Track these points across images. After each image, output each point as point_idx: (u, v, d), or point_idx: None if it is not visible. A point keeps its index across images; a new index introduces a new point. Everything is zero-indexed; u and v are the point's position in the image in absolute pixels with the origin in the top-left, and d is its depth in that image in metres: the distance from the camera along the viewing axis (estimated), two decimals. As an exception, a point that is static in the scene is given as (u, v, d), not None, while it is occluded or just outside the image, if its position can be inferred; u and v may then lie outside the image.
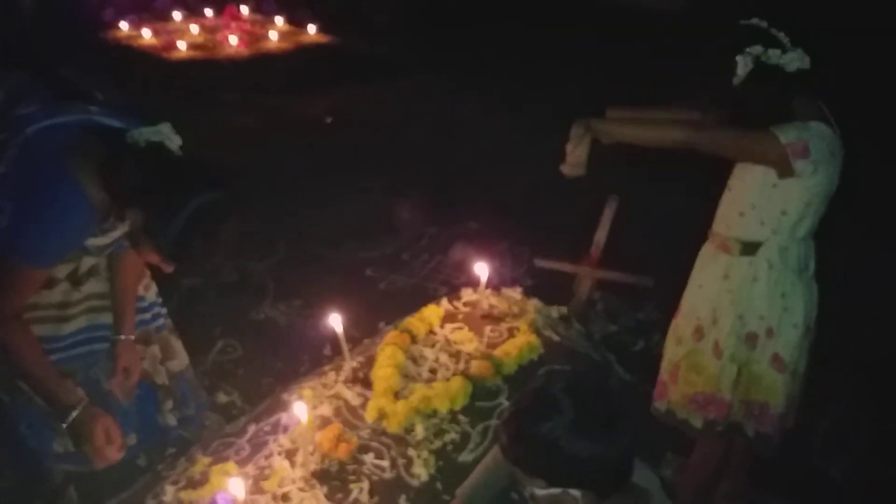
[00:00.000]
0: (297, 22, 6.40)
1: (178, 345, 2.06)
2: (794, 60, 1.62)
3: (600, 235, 2.69)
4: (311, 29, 6.22)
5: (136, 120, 1.54)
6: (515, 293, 2.55)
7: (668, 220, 3.30)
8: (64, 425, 1.58)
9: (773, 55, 1.62)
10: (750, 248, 1.79)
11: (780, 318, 1.80)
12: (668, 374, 1.95)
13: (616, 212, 2.67)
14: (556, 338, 2.30)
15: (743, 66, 1.65)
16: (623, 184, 3.56)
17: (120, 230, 1.56)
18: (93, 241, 1.58)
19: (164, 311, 2.00)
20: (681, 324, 1.93)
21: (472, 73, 5.74)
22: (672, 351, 1.94)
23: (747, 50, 1.64)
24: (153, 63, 5.66)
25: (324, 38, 6.15)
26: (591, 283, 2.74)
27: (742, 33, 1.68)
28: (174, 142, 1.52)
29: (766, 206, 1.75)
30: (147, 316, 1.93)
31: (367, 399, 1.94)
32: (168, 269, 1.56)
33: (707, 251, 1.91)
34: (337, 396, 1.99)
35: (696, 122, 1.82)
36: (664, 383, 1.97)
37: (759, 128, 1.65)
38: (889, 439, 2.36)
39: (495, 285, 2.72)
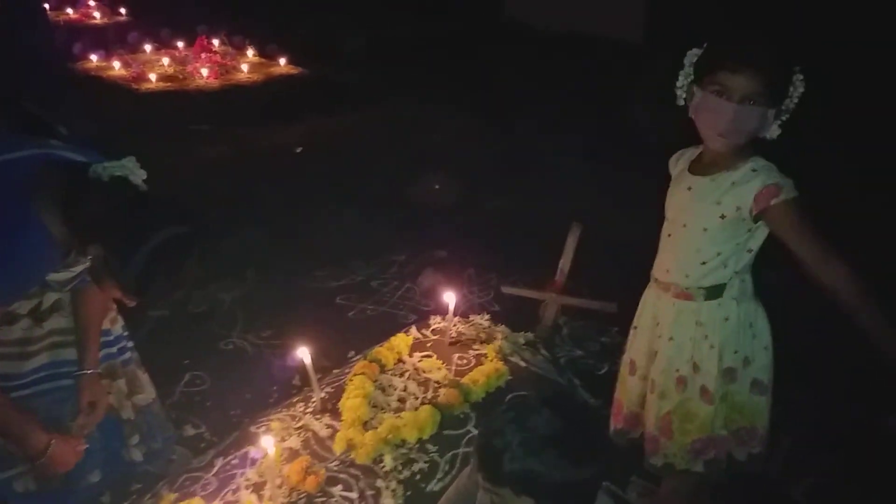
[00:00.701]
0: (267, 54, 6.47)
1: (144, 378, 2.05)
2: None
3: (564, 262, 2.74)
4: (282, 61, 6.29)
5: (99, 154, 1.55)
6: (483, 320, 2.59)
7: (630, 246, 3.37)
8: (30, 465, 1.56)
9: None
10: (716, 292, 1.78)
11: (752, 346, 1.82)
12: (659, 429, 1.91)
13: (579, 238, 2.72)
14: (522, 363, 2.34)
15: (685, 92, 1.71)
16: (586, 211, 3.66)
17: (82, 265, 1.56)
18: (55, 277, 1.58)
19: (130, 344, 2.00)
20: (659, 379, 1.88)
21: (440, 103, 5.83)
22: (657, 405, 1.90)
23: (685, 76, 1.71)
24: (123, 95, 5.68)
25: (294, 70, 6.23)
26: (556, 309, 2.78)
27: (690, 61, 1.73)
28: (138, 176, 1.52)
29: (734, 251, 1.74)
30: (113, 350, 1.93)
31: (335, 430, 1.95)
32: (131, 303, 1.58)
33: (661, 300, 1.86)
34: (305, 428, 1.99)
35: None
36: (655, 438, 1.92)
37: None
38: (850, 458, 2.41)
39: (464, 312, 2.77)
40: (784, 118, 1.66)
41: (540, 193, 4.27)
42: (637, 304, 2.02)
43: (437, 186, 4.40)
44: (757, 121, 1.63)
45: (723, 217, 1.70)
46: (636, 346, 1.95)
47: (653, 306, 1.89)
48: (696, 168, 1.79)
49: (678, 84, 1.72)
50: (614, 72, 6.39)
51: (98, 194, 1.45)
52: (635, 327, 1.97)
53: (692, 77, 1.70)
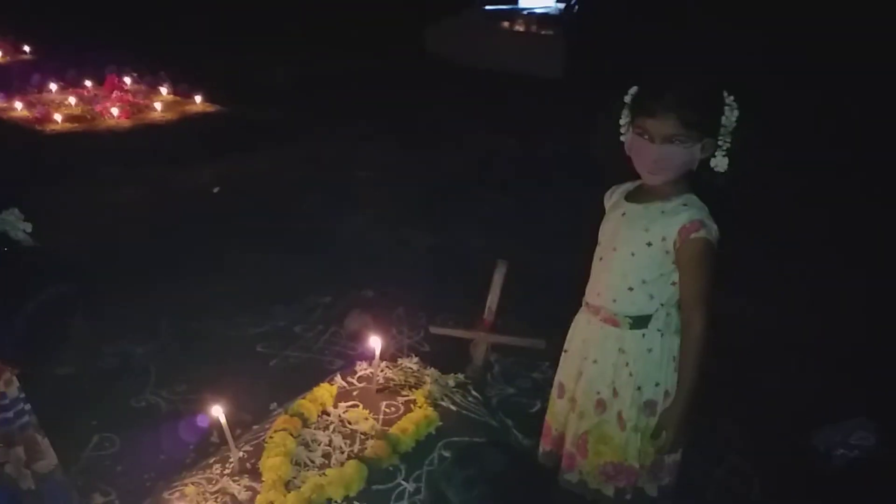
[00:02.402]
0: (182, 92, 6.30)
1: (45, 444, 1.88)
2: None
3: (492, 300, 2.70)
4: (198, 98, 6.13)
5: None
6: (412, 363, 2.51)
7: (557, 281, 3.39)
8: None
9: None
10: (641, 322, 1.81)
11: (673, 379, 1.83)
12: (576, 446, 1.94)
13: (505, 276, 2.70)
14: (453, 408, 2.27)
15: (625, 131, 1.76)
16: (512, 246, 3.66)
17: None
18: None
19: (28, 407, 1.83)
20: (581, 400, 1.90)
21: (364, 139, 5.79)
22: (576, 424, 1.93)
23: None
24: (26, 136, 5.40)
25: (210, 107, 6.07)
26: (486, 348, 2.74)
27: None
28: (19, 230, 1.42)
29: (658, 281, 1.77)
30: (9, 414, 1.76)
31: (255, 493, 1.82)
32: (14, 371, 1.47)
33: (590, 324, 1.88)
34: (223, 492, 1.85)
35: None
36: (572, 455, 1.95)
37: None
38: (777, 484, 2.44)
39: (392, 354, 2.68)
40: (726, 147, 1.69)
41: (467, 229, 4.26)
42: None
43: (362, 224, 4.34)
44: (682, 158, 1.69)
45: (649, 244, 1.75)
46: (566, 369, 1.98)
47: (583, 330, 1.92)
48: (633, 196, 1.85)
49: (621, 122, 1.77)
50: (538, 106, 6.53)
51: None
52: (566, 351, 1.99)
53: (629, 117, 1.75)
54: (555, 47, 8.32)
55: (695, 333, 1.73)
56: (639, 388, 1.83)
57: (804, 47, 6.01)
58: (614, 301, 1.82)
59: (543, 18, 9.31)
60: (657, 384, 1.83)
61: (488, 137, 5.84)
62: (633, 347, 1.82)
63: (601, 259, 1.86)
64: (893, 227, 3.96)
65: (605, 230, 1.88)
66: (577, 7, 9.25)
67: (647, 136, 1.69)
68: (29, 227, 1.42)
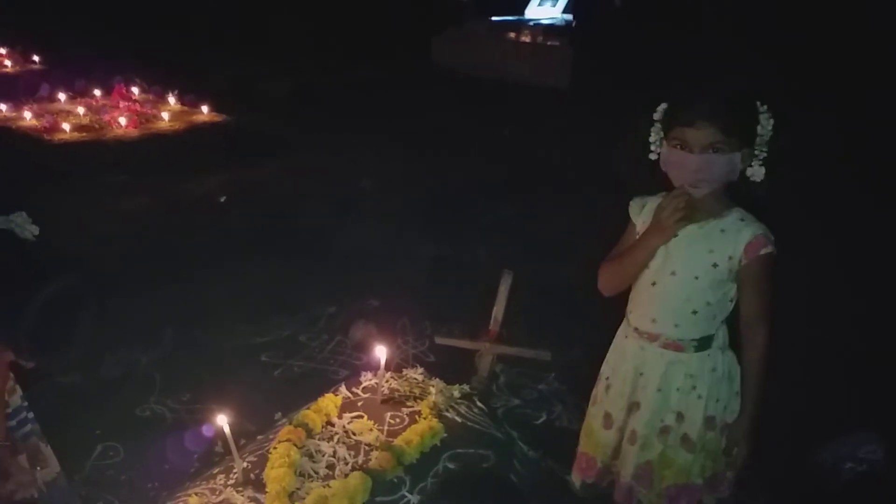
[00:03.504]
0: (189, 102, 6.33)
1: (48, 451, 1.88)
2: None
3: (497, 310, 2.69)
4: (205, 108, 6.16)
5: None
6: (417, 374, 2.50)
7: (563, 293, 3.38)
8: None
9: None
10: (705, 343, 1.79)
11: (729, 393, 1.82)
12: (636, 478, 1.89)
13: (511, 286, 2.69)
14: (458, 419, 2.25)
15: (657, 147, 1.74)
16: (518, 256, 3.66)
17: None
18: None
19: (31, 415, 1.83)
20: (641, 430, 1.86)
21: (369, 148, 5.80)
22: (636, 456, 1.88)
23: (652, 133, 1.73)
24: (34, 145, 5.42)
25: (217, 118, 6.10)
26: (491, 359, 2.73)
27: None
28: (28, 231, 1.44)
29: (721, 301, 1.76)
30: (12, 423, 1.76)
31: (259, 503, 1.81)
32: (28, 365, 1.48)
33: (646, 351, 1.83)
34: (226, 503, 1.85)
35: None
36: (631, 488, 1.90)
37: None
38: (784, 498, 2.41)
39: (397, 365, 2.67)
40: (763, 156, 1.67)
41: (472, 239, 4.26)
42: (571, 350, 2.00)
43: (367, 234, 4.33)
44: (723, 167, 1.66)
45: (715, 266, 1.72)
46: (612, 398, 1.91)
47: (635, 357, 1.85)
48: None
49: (651, 139, 1.74)
50: (544, 116, 6.54)
51: None
52: (608, 379, 1.92)
53: (661, 132, 1.73)
54: (561, 58, 8.33)
55: (762, 348, 1.73)
56: (705, 408, 1.81)
57: (813, 55, 6.00)
58: (676, 326, 1.78)
59: (549, 29, 9.34)
60: (718, 400, 1.81)
61: (494, 147, 5.84)
62: (699, 369, 1.79)
63: (654, 284, 1.78)
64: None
65: (657, 252, 1.78)
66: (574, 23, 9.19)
67: (686, 148, 1.65)
68: (36, 230, 1.44)
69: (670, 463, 1.84)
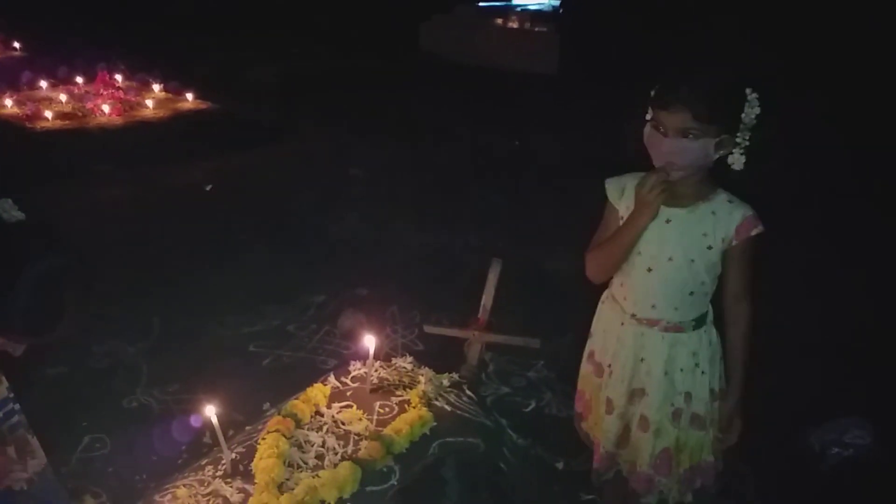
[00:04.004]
0: (174, 89, 6.26)
1: (35, 442, 1.86)
2: None
3: (486, 299, 2.68)
4: (189, 96, 6.09)
5: None
6: (406, 363, 2.49)
7: (551, 281, 3.38)
8: None
9: None
10: (701, 321, 1.83)
11: (721, 363, 1.87)
12: (654, 467, 1.90)
13: (500, 274, 2.68)
14: (448, 407, 2.24)
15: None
16: (506, 243, 3.65)
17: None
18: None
19: (17, 406, 1.81)
20: (654, 416, 1.86)
21: (356, 136, 5.76)
22: (651, 444, 1.88)
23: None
24: (16, 133, 5.35)
25: (202, 105, 6.03)
26: (480, 347, 2.72)
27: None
28: (13, 217, 1.42)
29: (714, 280, 1.79)
30: (-1, 414, 1.74)
31: (248, 495, 1.79)
32: (17, 352, 1.47)
33: (647, 336, 1.83)
34: (215, 494, 1.83)
35: None
36: (649, 477, 1.91)
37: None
38: (772, 483, 2.43)
39: (386, 354, 2.66)
40: (745, 144, 1.66)
41: (461, 227, 4.25)
42: (559, 337, 1.99)
43: (355, 222, 4.31)
44: (696, 153, 1.65)
45: (710, 248, 1.74)
46: (613, 385, 1.91)
47: (634, 344, 1.85)
48: (665, 198, 1.74)
49: (647, 117, 1.73)
50: (532, 103, 6.51)
51: None
52: (609, 367, 1.91)
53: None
54: (549, 43, 8.30)
55: (747, 322, 1.79)
56: (710, 383, 1.85)
57: (805, 45, 6.00)
58: (676, 309, 1.80)
59: (537, 15, 9.29)
60: (718, 375, 1.86)
61: (482, 134, 5.82)
62: (699, 346, 1.83)
63: (650, 270, 1.78)
64: (891, 224, 3.95)
65: (650, 239, 1.77)
66: (560, 10, 9.18)
67: (661, 130, 1.65)
68: (22, 216, 1.42)
69: (684, 446, 1.87)
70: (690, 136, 1.63)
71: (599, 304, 2.00)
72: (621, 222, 1.80)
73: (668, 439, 1.87)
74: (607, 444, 1.95)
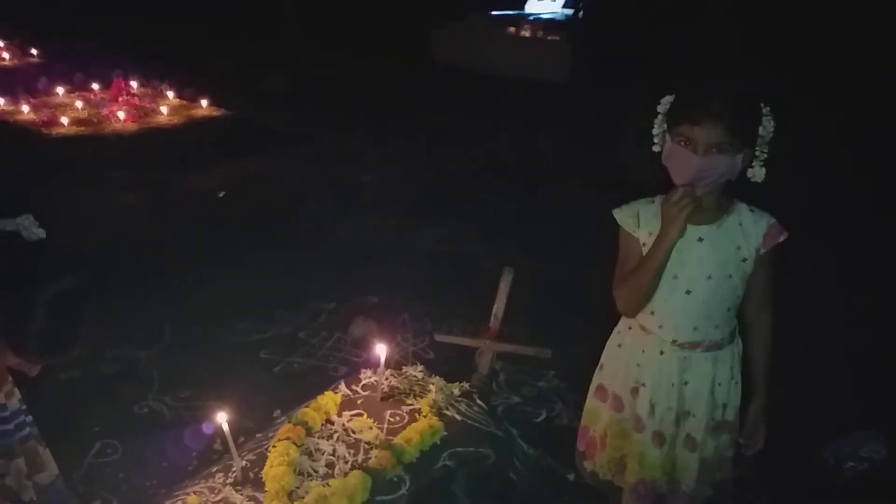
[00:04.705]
0: (188, 96, 6.31)
1: (46, 455, 1.86)
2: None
3: (498, 308, 2.67)
4: (204, 102, 6.13)
5: None
6: (416, 371, 2.48)
7: (563, 290, 3.37)
8: None
9: None
10: (734, 334, 1.83)
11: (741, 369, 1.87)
12: (696, 480, 1.87)
13: (511, 283, 2.67)
14: (458, 417, 2.24)
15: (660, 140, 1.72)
16: (518, 251, 3.64)
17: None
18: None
19: (29, 419, 1.81)
20: (700, 436, 1.84)
21: (368, 143, 5.78)
22: (696, 461, 1.85)
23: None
24: (32, 139, 5.41)
25: (216, 111, 6.07)
26: (491, 356, 2.71)
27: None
28: (35, 234, 1.43)
29: (745, 291, 1.78)
30: (9, 427, 1.74)
31: (258, 502, 1.80)
32: (33, 372, 1.48)
33: (689, 361, 1.80)
34: (225, 501, 1.83)
35: None
36: (692, 495, 1.89)
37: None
38: (787, 497, 2.41)
39: (397, 362, 2.66)
40: (763, 157, 1.66)
41: (472, 235, 4.24)
42: (572, 347, 1.97)
43: (367, 229, 4.32)
44: (724, 168, 1.64)
45: (744, 260, 1.74)
46: (660, 417, 1.85)
47: (678, 370, 1.81)
48: (691, 217, 1.70)
49: (654, 132, 1.72)
50: (544, 111, 6.51)
51: None
52: (651, 402, 1.84)
53: (665, 126, 1.70)
54: (561, 52, 8.30)
55: (771, 329, 1.82)
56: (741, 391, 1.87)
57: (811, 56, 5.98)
58: (716, 327, 1.78)
59: (549, 24, 9.30)
60: (738, 382, 1.86)
61: (494, 142, 5.82)
62: (735, 359, 1.83)
63: (690, 292, 1.74)
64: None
65: (684, 261, 1.73)
66: (581, 13, 9.24)
67: (689, 146, 1.63)
68: (43, 233, 1.43)
69: (717, 450, 1.88)
70: (722, 150, 1.62)
71: (615, 336, 1.95)
72: (645, 249, 1.77)
73: (708, 451, 1.86)
74: (653, 474, 1.88)
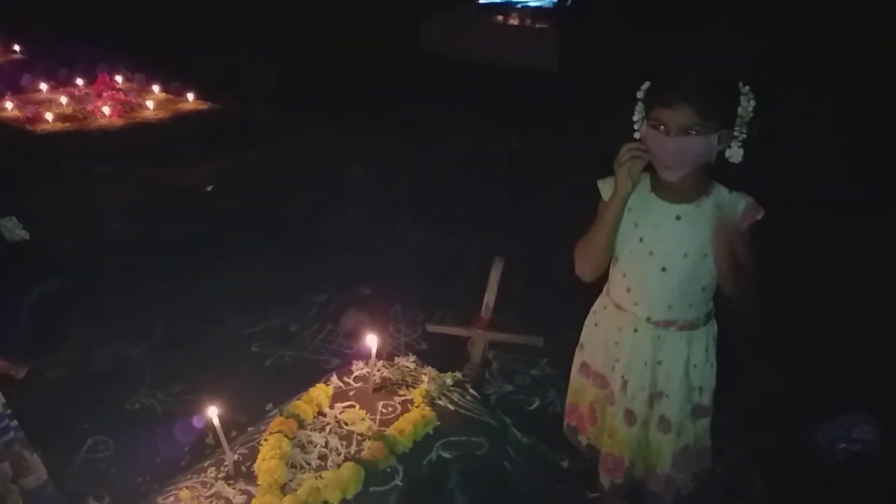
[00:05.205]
0: (174, 90, 6.25)
1: (33, 459, 1.84)
2: None
3: (489, 297, 2.66)
4: (190, 96, 6.08)
5: None
6: (409, 362, 2.48)
7: (554, 278, 3.36)
8: None
9: None
10: (710, 315, 1.83)
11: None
12: (674, 465, 1.88)
13: (502, 272, 2.66)
14: (451, 407, 2.23)
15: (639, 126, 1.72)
16: (508, 241, 3.63)
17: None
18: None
19: (14, 423, 1.79)
20: (676, 418, 1.84)
21: (357, 135, 5.74)
22: (673, 443, 1.86)
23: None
24: (17, 136, 5.34)
25: (203, 105, 6.02)
26: (483, 346, 2.70)
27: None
28: (18, 237, 1.41)
29: (716, 273, 1.77)
30: (-7, 431, 1.73)
31: (250, 496, 1.79)
32: (19, 375, 1.46)
33: (663, 339, 1.81)
34: (218, 496, 1.82)
35: None
36: (669, 477, 1.89)
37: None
38: (778, 479, 2.42)
39: (389, 353, 2.65)
40: (742, 138, 1.65)
41: (462, 225, 4.23)
42: (563, 335, 1.97)
43: (357, 221, 4.30)
44: (700, 149, 1.64)
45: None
46: (632, 395, 1.86)
47: (652, 349, 1.82)
48: (668, 195, 1.75)
49: (634, 118, 1.72)
50: (533, 100, 6.49)
51: None
52: (623, 378, 1.86)
53: (644, 111, 1.70)
54: (549, 41, 8.27)
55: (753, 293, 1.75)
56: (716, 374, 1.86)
57: (805, 42, 5.97)
58: (691, 306, 1.79)
59: (537, 12, 9.27)
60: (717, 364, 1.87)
61: (483, 132, 5.80)
62: (710, 340, 1.83)
63: (665, 269, 1.76)
64: (893, 216, 3.93)
65: (660, 238, 1.76)
66: (570, 1, 9.22)
67: (662, 129, 1.63)
68: (26, 235, 1.41)
69: (697, 437, 1.88)
70: (694, 132, 1.62)
71: (591, 315, 1.98)
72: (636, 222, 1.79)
73: (687, 436, 1.86)
74: (632, 454, 1.91)
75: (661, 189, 1.77)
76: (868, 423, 2.49)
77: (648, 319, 1.81)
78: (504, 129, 5.85)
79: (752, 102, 1.65)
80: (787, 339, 3.08)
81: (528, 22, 8.96)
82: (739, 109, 1.64)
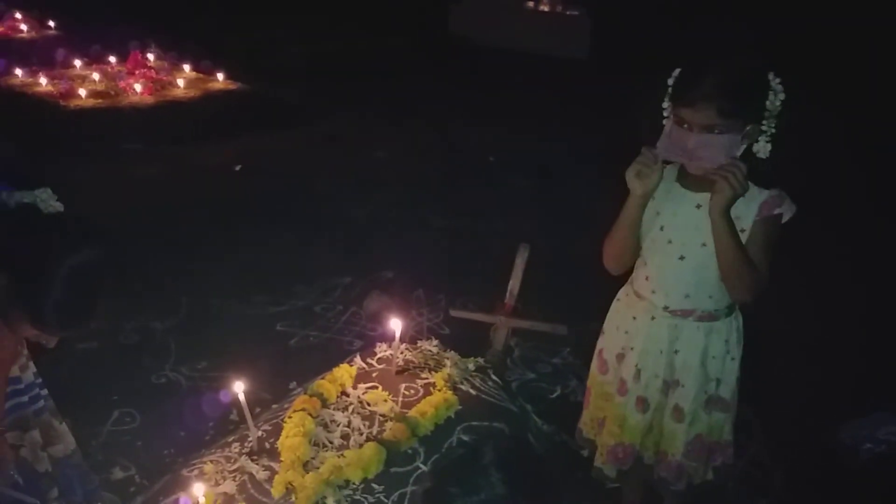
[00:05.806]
0: (204, 69, 6.29)
1: (62, 428, 1.88)
2: None
3: (513, 284, 2.66)
4: (220, 76, 6.11)
5: (11, 180, 1.44)
6: (431, 346, 2.48)
7: (579, 267, 3.34)
8: None
9: None
10: (732, 308, 1.81)
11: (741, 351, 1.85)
12: (687, 455, 1.88)
13: (527, 259, 2.66)
14: (472, 392, 2.24)
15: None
16: (534, 228, 3.62)
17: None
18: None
19: (44, 392, 1.83)
20: (689, 407, 1.83)
21: (383, 119, 5.74)
22: (685, 433, 1.85)
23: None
24: (50, 111, 5.41)
25: (233, 85, 6.05)
26: (506, 333, 2.71)
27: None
28: (53, 208, 1.43)
29: None
30: (24, 399, 1.76)
31: (273, 472, 1.81)
32: (50, 344, 1.49)
33: (680, 329, 1.80)
34: (241, 471, 1.85)
35: None
36: (681, 466, 1.89)
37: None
38: (801, 477, 2.39)
39: (412, 337, 2.66)
40: (770, 132, 1.63)
41: (487, 212, 4.22)
42: (586, 324, 1.96)
43: (382, 205, 4.31)
44: (722, 147, 1.61)
45: (742, 231, 1.69)
46: (645, 382, 1.86)
47: (669, 338, 1.81)
48: (692, 184, 1.73)
49: (664, 104, 1.70)
50: (562, 87, 6.44)
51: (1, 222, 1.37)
52: (637, 366, 1.85)
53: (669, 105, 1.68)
54: (580, 27, 8.19)
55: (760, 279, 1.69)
56: (738, 369, 1.84)
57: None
58: (710, 297, 1.76)
59: (569, -2, 9.16)
60: (735, 359, 1.84)
61: (510, 118, 5.77)
62: (731, 334, 1.80)
63: (683, 258, 1.74)
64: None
65: (680, 225, 1.74)
66: None
67: (686, 125, 1.61)
68: (60, 207, 1.44)
69: (711, 429, 1.86)
70: (717, 131, 1.59)
71: (614, 303, 1.96)
72: (659, 210, 1.77)
73: (700, 426, 1.85)
74: (633, 439, 1.91)
75: (686, 178, 1.75)
76: (894, 423, 2.46)
77: (666, 308, 1.80)
78: (530, 115, 5.81)
79: (782, 95, 1.61)
80: (815, 334, 3.05)
81: (559, 8, 8.86)
82: (767, 103, 1.62)
